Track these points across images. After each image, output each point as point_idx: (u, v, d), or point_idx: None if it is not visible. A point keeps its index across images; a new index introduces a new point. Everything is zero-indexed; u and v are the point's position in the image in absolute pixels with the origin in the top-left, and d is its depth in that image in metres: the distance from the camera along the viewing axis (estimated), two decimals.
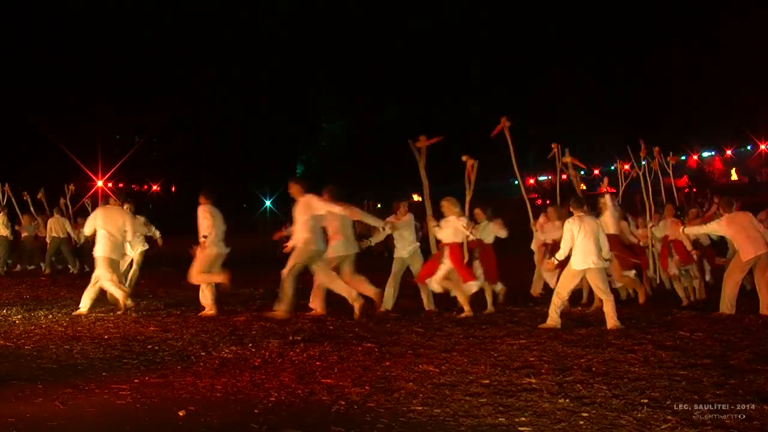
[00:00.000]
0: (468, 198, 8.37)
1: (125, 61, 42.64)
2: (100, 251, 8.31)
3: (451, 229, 7.95)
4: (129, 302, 8.40)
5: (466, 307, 7.87)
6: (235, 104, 46.91)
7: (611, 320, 6.92)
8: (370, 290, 7.96)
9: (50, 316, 8.15)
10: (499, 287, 8.41)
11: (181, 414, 4.35)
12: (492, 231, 8.37)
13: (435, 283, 8.04)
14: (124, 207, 8.93)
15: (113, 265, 8.38)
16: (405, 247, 8.43)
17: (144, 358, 5.95)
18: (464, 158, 8.52)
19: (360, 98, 47.36)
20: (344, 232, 8.04)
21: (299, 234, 7.82)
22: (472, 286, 7.94)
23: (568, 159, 9.47)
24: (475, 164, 8.46)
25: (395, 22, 50.04)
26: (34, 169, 33.20)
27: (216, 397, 4.73)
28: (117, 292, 8.35)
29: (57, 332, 7.16)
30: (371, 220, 8.67)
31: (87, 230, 8.82)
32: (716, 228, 7.98)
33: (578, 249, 7.03)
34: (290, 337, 6.71)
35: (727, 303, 7.62)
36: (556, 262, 7.40)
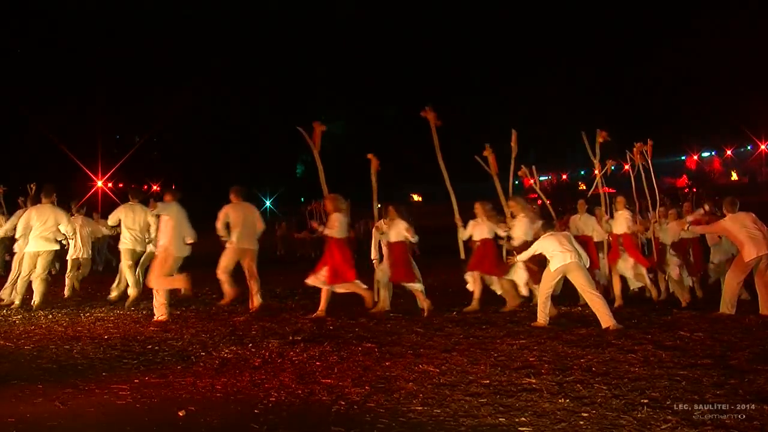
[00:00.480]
0: (374, 196, 8.69)
1: (126, 62, 42.71)
2: (31, 247, 8.71)
3: (336, 225, 8.03)
4: (11, 299, 8.90)
5: (320, 306, 7.99)
6: (235, 104, 46.97)
7: (604, 319, 6.96)
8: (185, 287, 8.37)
9: (50, 316, 8.15)
10: (417, 286, 8.19)
11: (181, 414, 4.35)
12: (397, 231, 8.24)
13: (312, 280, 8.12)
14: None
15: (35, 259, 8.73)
16: None
17: (144, 358, 5.95)
18: (370, 156, 8.83)
19: (360, 98, 47.47)
20: (243, 229, 8.39)
21: (161, 240, 8.03)
22: (337, 288, 8.02)
23: (523, 173, 9.37)
24: (376, 165, 8.78)
25: (395, 23, 50.06)
26: (35, 169, 33.18)
27: (216, 397, 4.73)
28: (20, 287, 8.82)
29: (57, 332, 7.16)
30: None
31: (18, 232, 8.85)
32: (720, 228, 7.98)
33: (556, 253, 7.21)
34: (290, 337, 6.72)
35: (727, 303, 7.61)
36: (513, 261, 7.82)
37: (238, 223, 8.39)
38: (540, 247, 7.38)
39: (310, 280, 8.08)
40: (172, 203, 8.14)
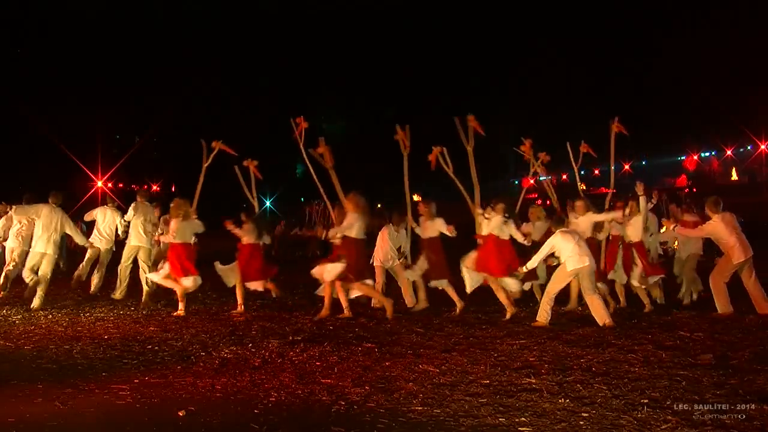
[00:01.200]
0: (254, 200, 9.27)
1: (126, 61, 42.67)
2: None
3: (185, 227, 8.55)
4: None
5: (180, 297, 8.45)
6: (235, 104, 46.93)
7: (599, 316, 7.04)
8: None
9: (50, 316, 8.16)
10: (254, 285, 8.69)
11: (181, 414, 4.35)
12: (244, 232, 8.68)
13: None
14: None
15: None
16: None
17: (144, 358, 5.95)
18: (246, 163, 9.41)
19: (359, 98, 47.45)
20: (102, 230, 9.62)
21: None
22: (185, 282, 8.45)
23: (436, 151, 8.94)
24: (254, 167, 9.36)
25: (394, 23, 50.07)
26: (34, 169, 33.19)
27: (216, 397, 4.73)
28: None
29: (57, 332, 7.16)
30: (78, 237, 9.49)
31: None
32: (711, 230, 7.77)
33: (573, 255, 7.16)
34: (290, 337, 6.72)
35: (723, 303, 7.55)
36: (525, 270, 7.61)
37: (137, 223, 9.44)
38: (556, 244, 7.27)
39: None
40: (38, 205, 8.98)
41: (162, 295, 9.80)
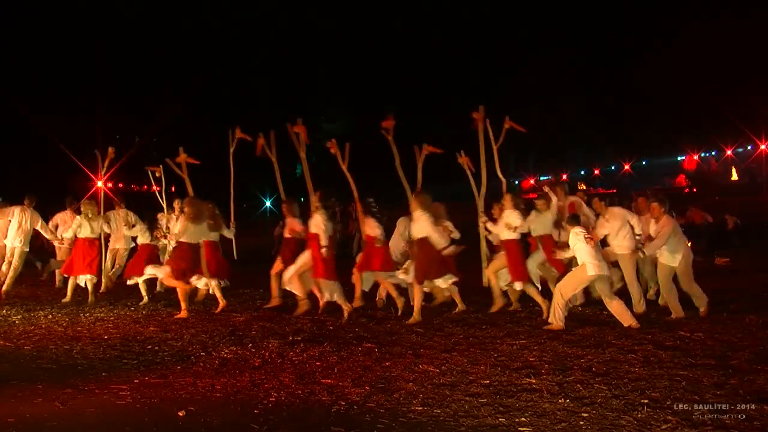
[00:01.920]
0: (164, 202, 9.89)
1: (125, 62, 42.69)
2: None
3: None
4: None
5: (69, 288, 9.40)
6: (235, 104, 46.95)
7: (624, 319, 6.91)
8: None
9: (50, 316, 8.16)
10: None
11: (181, 414, 4.35)
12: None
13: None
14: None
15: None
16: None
17: (144, 358, 5.96)
18: (152, 168, 10.24)
19: (359, 97, 47.43)
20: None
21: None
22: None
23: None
24: (157, 168, 10.18)
25: (394, 22, 50.09)
26: (34, 169, 33.20)
27: (216, 397, 4.73)
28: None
29: (57, 332, 7.17)
30: (47, 234, 10.28)
31: None
32: (670, 229, 7.24)
33: (593, 262, 6.96)
34: (290, 337, 6.72)
35: (701, 298, 7.43)
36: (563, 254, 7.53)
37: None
38: (577, 247, 7.03)
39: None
40: (11, 206, 9.92)
41: (163, 295, 9.81)
